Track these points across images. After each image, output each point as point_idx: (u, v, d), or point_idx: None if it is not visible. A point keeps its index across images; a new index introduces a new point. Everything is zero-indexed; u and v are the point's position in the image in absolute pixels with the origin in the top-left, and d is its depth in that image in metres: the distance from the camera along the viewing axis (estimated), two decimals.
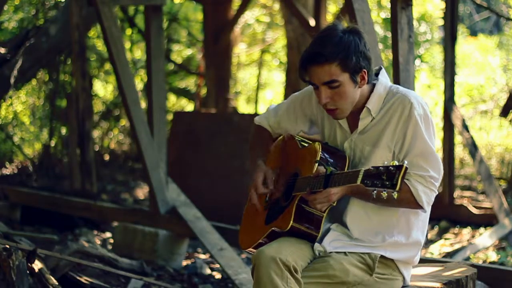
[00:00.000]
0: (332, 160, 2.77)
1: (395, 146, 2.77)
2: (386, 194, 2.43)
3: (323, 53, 2.68)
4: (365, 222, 2.82)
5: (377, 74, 2.87)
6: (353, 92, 2.74)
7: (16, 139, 9.62)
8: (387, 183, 2.42)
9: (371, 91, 2.81)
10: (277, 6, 12.51)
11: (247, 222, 3.08)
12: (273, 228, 2.83)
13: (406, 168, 2.41)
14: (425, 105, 2.79)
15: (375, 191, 2.46)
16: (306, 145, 2.91)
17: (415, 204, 2.73)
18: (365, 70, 2.73)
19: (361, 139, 2.83)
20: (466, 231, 7.09)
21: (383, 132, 2.78)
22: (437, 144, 10.39)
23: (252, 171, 3.02)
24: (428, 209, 2.78)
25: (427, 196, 2.72)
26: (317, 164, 2.72)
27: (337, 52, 2.68)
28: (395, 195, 2.44)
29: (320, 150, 2.77)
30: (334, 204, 2.74)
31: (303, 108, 3.00)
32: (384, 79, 2.85)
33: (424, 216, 2.86)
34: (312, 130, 3.02)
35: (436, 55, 13.19)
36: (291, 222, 2.74)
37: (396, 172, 2.41)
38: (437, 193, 2.77)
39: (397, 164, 2.43)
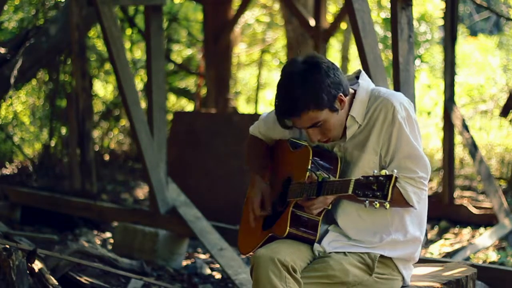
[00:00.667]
0: (323, 164, 2.79)
1: (381, 150, 2.78)
2: (378, 204, 2.45)
3: (294, 107, 2.67)
4: (359, 224, 2.83)
5: (357, 77, 2.85)
6: (338, 118, 2.75)
7: (16, 139, 9.61)
8: (378, 193, 2.43)
9: (353, 97, 2.81)
10: (277, 6, 12.51)
11: (245, 227, 3.08)
12: (270, 234, 2.84)
13: (396, 178, 2.42)
14: (408, 106, 2.78)
15: (367, 201, 2.47)
16: (297, 147, 2.92)
17: (406, 204, 2.74)
18: (340, 94, 2.72)
19: (349, 144, 2.83)
20: (466, 231, 7.08)
21: (368, 137, 2.78)
22: (437, 144, 10.38)
23: (249, 185, 3.03)
24: (418, 206, 2.78)
25: (417, 196, 2.74)
26: (308, 172, 2.73)
27: (307, 100, 2.66)
28: (387, 205, 2.45)
29: (311, 156, 2.78)
30: (329, 208, 2.77)
31: None
32: (365, 83, 2.83)
33: (417, 212, 2.85)
34: (302, 136, 3.02)
35: (436, 55, 13.19)
36: (288, 228, 2.76)
37: (386, 182, 2.42)
38: (427, 190, 2.79)
39: (387, 173, 2.44)
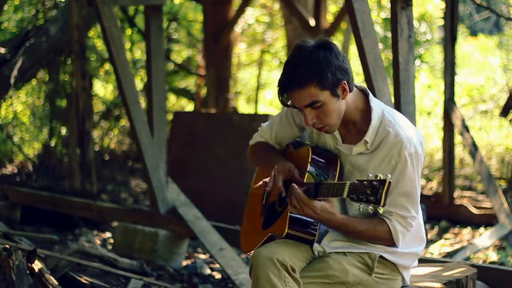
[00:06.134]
0: (322, 164, 2.79)
1: None
2: (372, 208, 2.45)
3: (297, 78, 2.64)
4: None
5: (362, 91, 2.82)
6: (338, 106, 2.72)
7: (16, 139, 9.61)
8: (372, 198, 2.44)
9: (367, 109, 2.77)
10: (277, 6, 12.52)
11: (247, 225, 3.09)
12: (270, 234, 2.84)
13: (390, 183, 2.42)
14: (417, 143, 2.75)
15: (361, 205, 2.47)
16: (298, 147, 2.92)
17: (391, 243, 2.76)
18: (344, 81, 2.70)
19: (348, 157, 2.82)
20: (466, 231, 7.08)
21: (367, 163, 2.77)
22: (437, 144, 10.36)
23: (273, 166, 2.88)
24: (414, 229, 2.81)
25: (403, 236, 2.76)
26: (306, 173, 2.74)
27: (311, 73, 2.64)
28: (380, 210, 2.46)
29: (310, 157, 2.78)
30: None
31: (294, 116, 2.99)
32: (376, 106, 2.79)
33: (417, 230, 2.87)
34: (306, 135, 3.02)
35: (436, 55, 13.19)
36: (286, 229, 2.76)
37: (380, 187, 2.42)
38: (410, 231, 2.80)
39: (381, 177, 2.44)
